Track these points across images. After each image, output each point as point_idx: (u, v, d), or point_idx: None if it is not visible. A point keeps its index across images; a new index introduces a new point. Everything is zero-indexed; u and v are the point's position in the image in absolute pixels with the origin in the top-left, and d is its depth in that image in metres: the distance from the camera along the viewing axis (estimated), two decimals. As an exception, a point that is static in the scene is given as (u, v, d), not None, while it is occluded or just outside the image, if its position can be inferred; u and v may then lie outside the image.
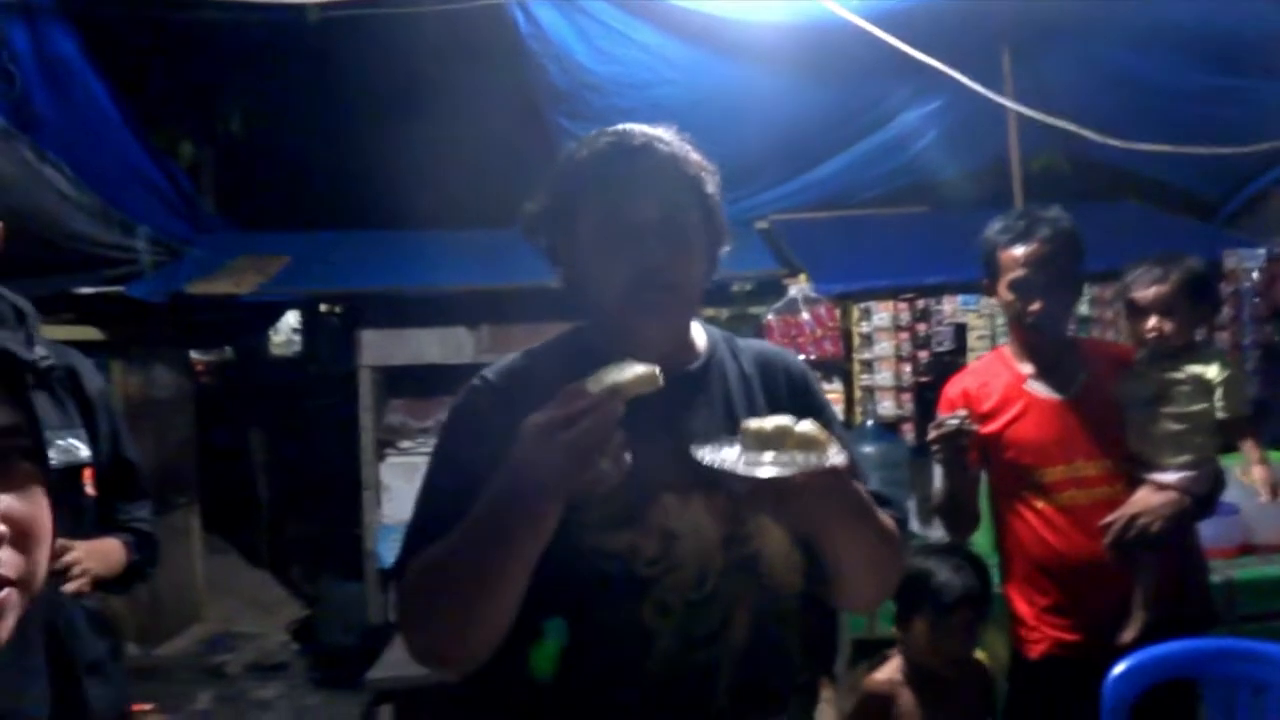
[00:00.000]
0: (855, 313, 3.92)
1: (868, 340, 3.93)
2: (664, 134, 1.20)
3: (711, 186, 1.23)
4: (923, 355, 3.92)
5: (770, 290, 4.08)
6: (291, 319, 6.92)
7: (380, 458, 4.27)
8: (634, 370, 0.98)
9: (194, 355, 6.17)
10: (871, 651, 3.25)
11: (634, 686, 1.12)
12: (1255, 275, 3.88)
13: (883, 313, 3.92)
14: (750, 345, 1.34)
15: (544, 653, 1.11)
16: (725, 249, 1.28)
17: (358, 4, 2.95)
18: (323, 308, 6.04)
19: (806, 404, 1.27)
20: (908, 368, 3.92)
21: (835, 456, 1.02)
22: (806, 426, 1.03)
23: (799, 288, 3.81)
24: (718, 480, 1.05)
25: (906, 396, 3.91)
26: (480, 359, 4.25)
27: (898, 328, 3.92)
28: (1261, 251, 3.89)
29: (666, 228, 1.16)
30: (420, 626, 1.11)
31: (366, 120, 4.69)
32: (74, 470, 1.58)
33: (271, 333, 7.24)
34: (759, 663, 1.16)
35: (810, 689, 1.28)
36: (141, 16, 3.35)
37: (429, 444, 4.19)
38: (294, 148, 4.98)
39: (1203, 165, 4.19)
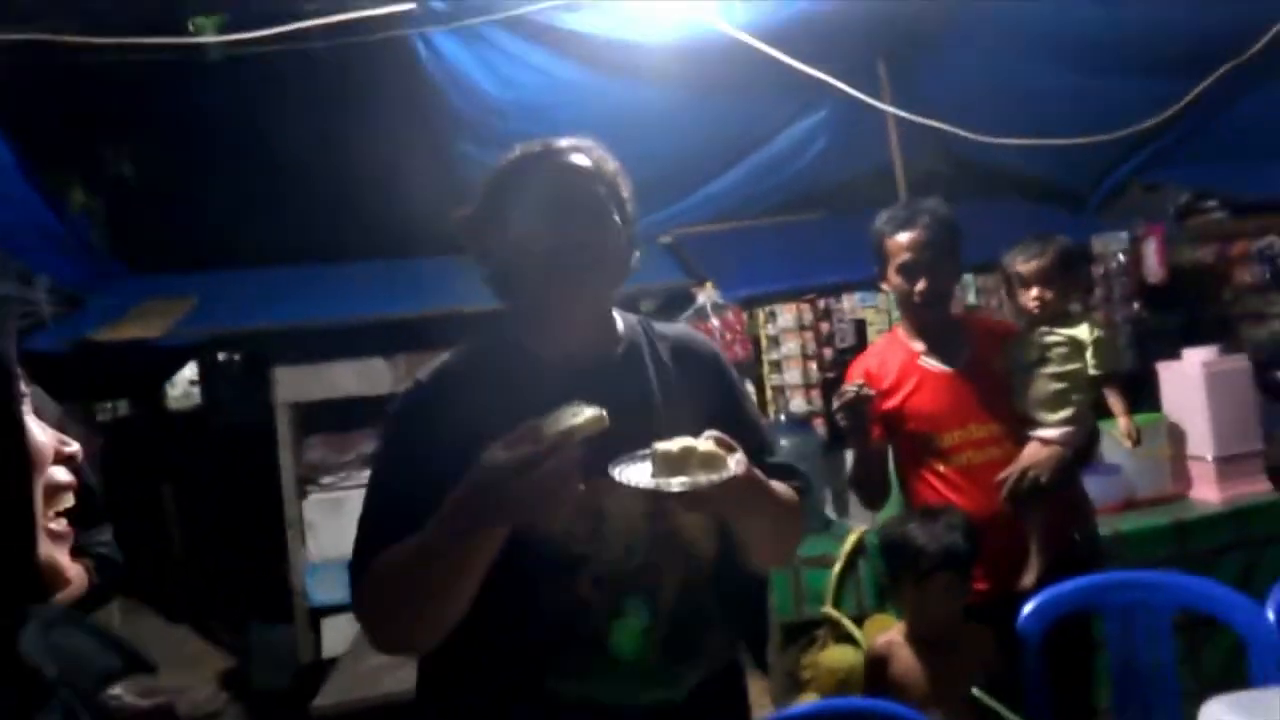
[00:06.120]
0: (761, 316, 4.09)
1: (775, 341, 4.10)
2: (586, 142, 1.35)
3: (626, 191, 1.36)
4: (827, 352, 4.11)
5: (678, 303, 4.23)
6: (188, 371, 6.75)
7: (302, 495, 4.23)
8: (585, 414, 1.08)
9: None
10: (799, 634, 3.40)
11: (574, 649, 1.22)
12: (1121, 257, 4.21)
13: (787, 314, 4.08)
14: (667, 332, 1.45)
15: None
16: (636, 254, 1.40)
17: (259, 41, 2.96)
18: (221, 356, 5.94)
19: (721, 385, 1.43)
20: (814, 365, 4.10)
21: (734, 468, 1.14)
22: (708, 446, 1.15)
23: (706, 295, 3.95)
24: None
25: (815, 392, 4.09)
26: (399, 389, 4.25)
27: (802, 327, 4.09)
28: (1125, 235, 4.23)
29: (588, 211, 1.29)
30: (386, 619, 1.22)
31: (263, 157, 4.66)
32: None
33: (168, 386, 7.05)
34: (684, 621, 1.28)
35: (730, 642, 1.40)
36: (26, 61, 3.28)
37: (351, 477, 4.24)
38: (188, 188, 4.88)
39: (1068, 160, 4.50)
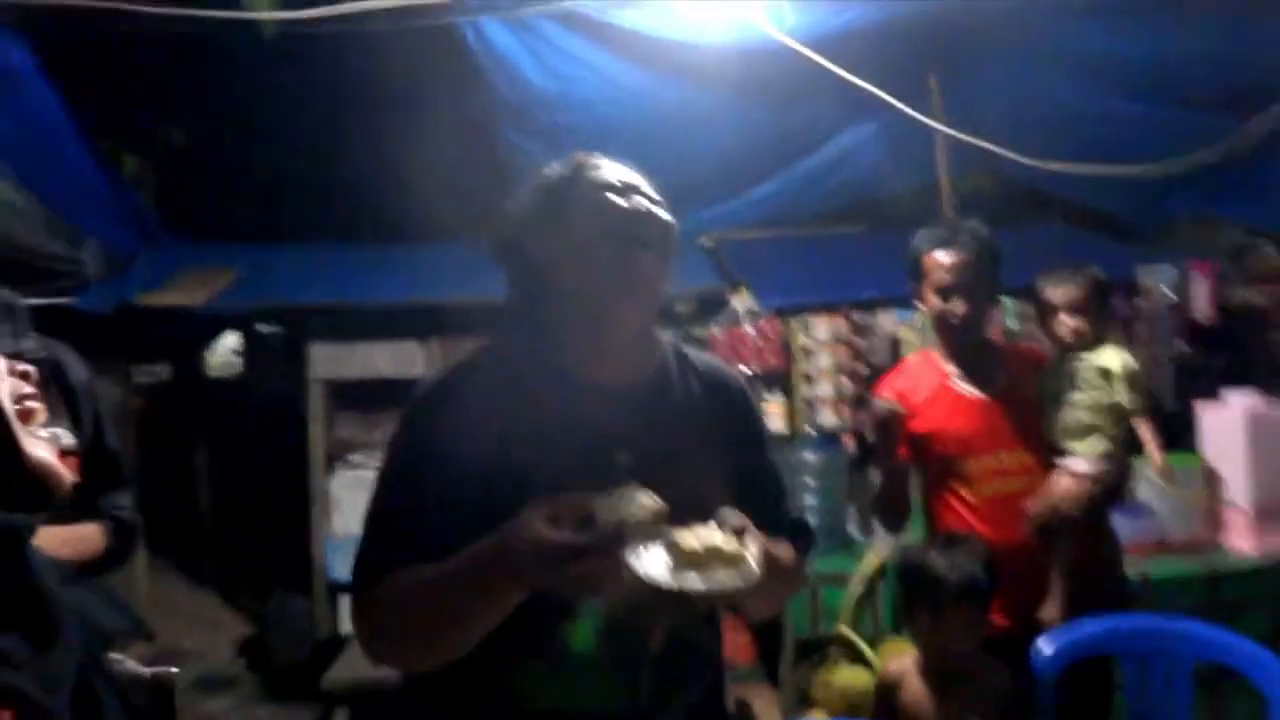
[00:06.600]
0: (796, 326, 4.05)
1: (808, 353, 4.06)
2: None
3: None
4: (860, 368, 4.06)
5: (713, 307, 4.21)
6: (231, 340, 6.83)
7: (330, 471, 4.29)
8: (643, 506, 1.05)
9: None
10: (814, 651, 3.37)
11: (567, 692, 1.21)
12: (1166, 291, 4.11)
13: (821, 327, 4.05)
14: (699, 363, 1.41)
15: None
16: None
17: (313, 21, 2.99)
18: (263, 328, 6.01)
19: (748, 427, 1.42)
20: (846, 380, 4.06)
21: (753, 568, 1.09)
22: (731, 547, 1.10)
23: (741, 301, 3.93)
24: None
25: (845, 407, 4.04)
26: (430, 373, 4.28)
27: (836, 341, 4.06)
28: (1172, 268, 4.13)
29: (664, 225, 1.29)
30: (390, 645, 1.21)
31: (312, 134, 4.72)
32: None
33: (209, 354, 7.14)
34: (672, 665, 1.26)
35: (717, 677, 1.38)
36: (87, 29, 3.35)
37: (379, 457, 4.25)
38: (237, 161, 4.99)
39: (1118, 188, 4.41)
